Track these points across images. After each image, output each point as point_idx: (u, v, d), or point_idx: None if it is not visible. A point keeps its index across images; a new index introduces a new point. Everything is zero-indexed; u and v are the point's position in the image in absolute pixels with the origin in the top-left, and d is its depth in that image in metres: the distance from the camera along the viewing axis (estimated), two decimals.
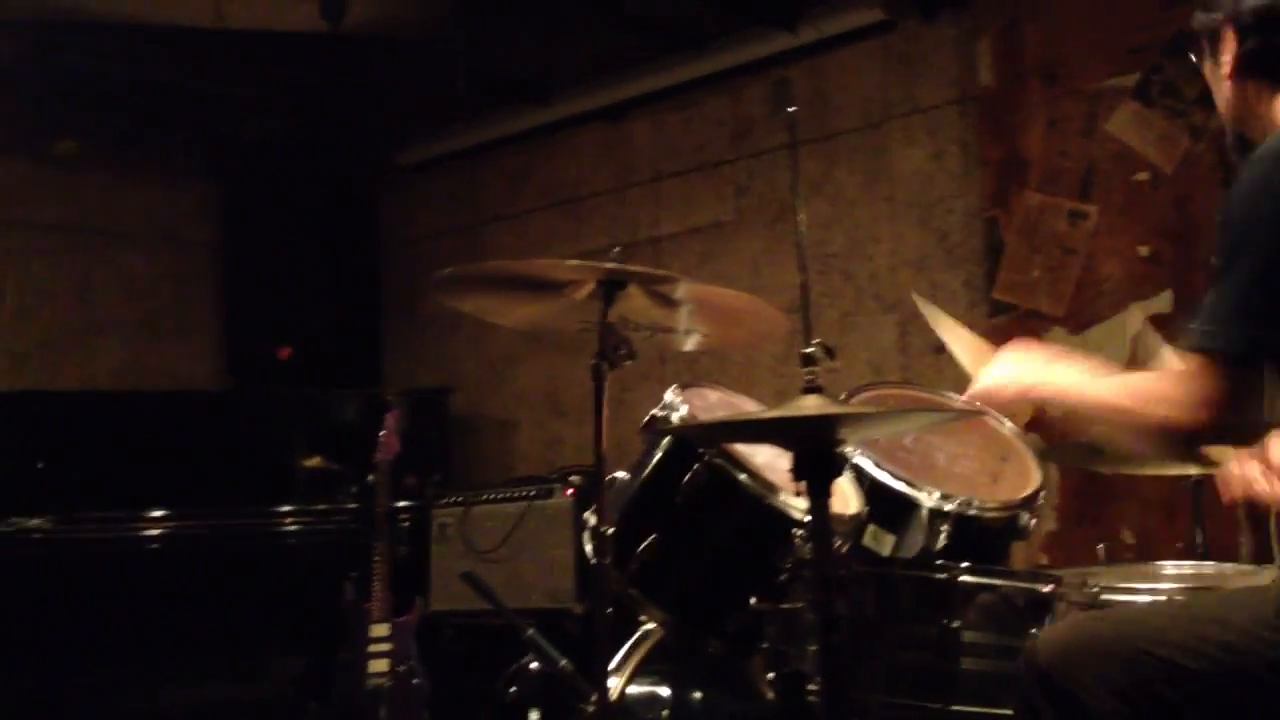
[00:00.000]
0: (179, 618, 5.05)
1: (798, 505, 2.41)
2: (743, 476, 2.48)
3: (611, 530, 2.43)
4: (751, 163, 5.28)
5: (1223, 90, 2.06)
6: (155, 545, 5.07)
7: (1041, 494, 2.68)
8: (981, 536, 2.56)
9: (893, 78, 4.87)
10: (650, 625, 2.72)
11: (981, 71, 4.58)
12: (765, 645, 2.39)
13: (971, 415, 2.73)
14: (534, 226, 6.04)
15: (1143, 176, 4.18)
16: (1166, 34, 4.08)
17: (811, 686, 2.26)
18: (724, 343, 3.28)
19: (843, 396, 2.73)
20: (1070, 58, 4.36)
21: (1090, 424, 2.40)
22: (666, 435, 2.62)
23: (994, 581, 2.27)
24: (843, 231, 4.96)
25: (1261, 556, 2.53)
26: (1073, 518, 4.19)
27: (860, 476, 2.59)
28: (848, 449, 2.49)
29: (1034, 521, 2.66)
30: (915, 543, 2.54)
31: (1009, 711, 2.12)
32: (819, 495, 1.92)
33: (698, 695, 2.86)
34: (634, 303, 2.49)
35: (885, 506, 2.55)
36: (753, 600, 2.39)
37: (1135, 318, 4.14)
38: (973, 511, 2.54)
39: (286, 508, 5.24)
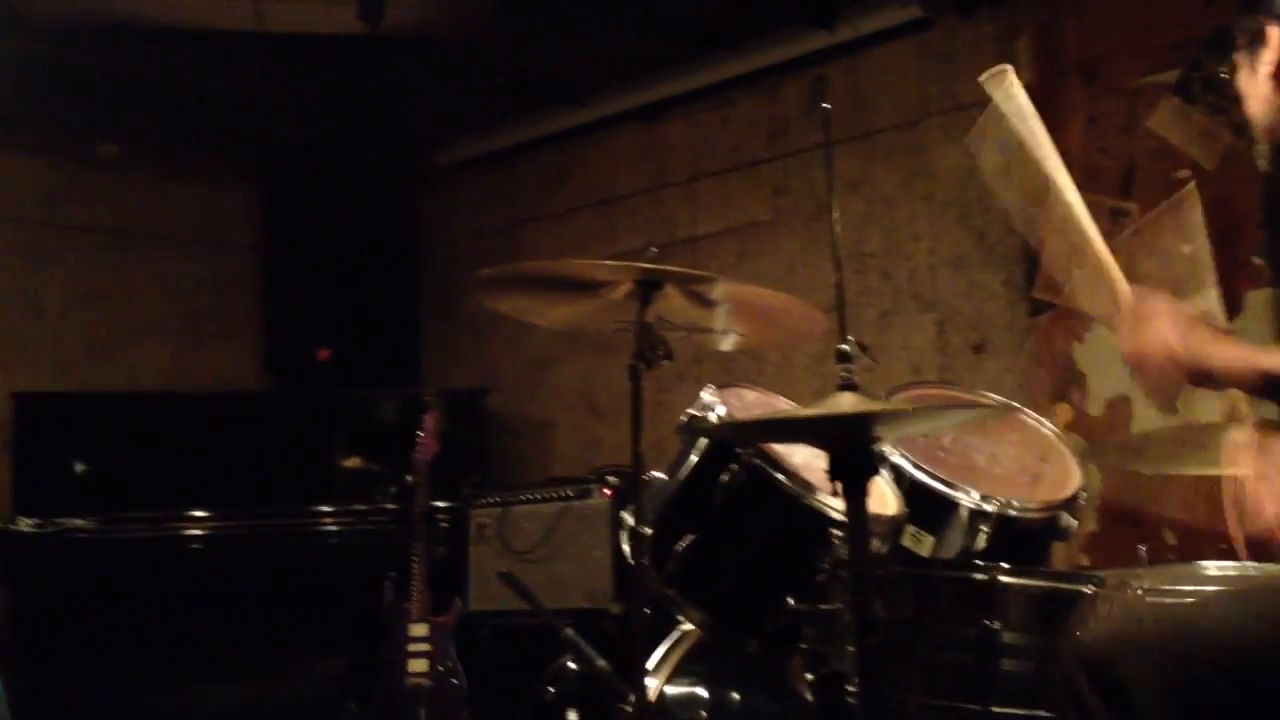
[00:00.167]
0: (220, 617, 5.09)
1: (835, 505, 2.40)
2: (780, 476, 2.47)
3: (649, 530, 2.43)
4: (788, 162, 5.26)
5: (1260, 91, 2.04)
6: (197, 545, 5.11)
7: (1082, 494, 2.66)
8: (1021, 537, 2.55)
9: (931, 75, 4.85)
10: (688, 625, 2.71)
11: (1020, 69, 4.54)
12: (803, 646, 2.38)
13: (1009, 412, 2.72)
14: (571, 227, 6.05)
15: (1184, 174, 4.14)
16: (1207, 30, 4.04)
17: (850, 687, 2.25)
18: (761, 342, 3.28)
19: (881, 395, 2.72)
20: (1110, 54, 4.32)
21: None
22: (704, 435, 2.62)
23: (1034, 582, 2.26)
24: (880, 230, 4.94)
25: None
26: (1114, 518, 4.15)
27: (899, 477, 2.58)
28: (884, 448, 2.48)
29: (1075, 522, 2.64)
30: (954, 543, 2.53)
31: (1049, 713, 2.11)
32: (856, 495, 1.91)
33: (735, 696, 2.85)
34: (671, 303, 2.49)
35: (924, 507, 2.54)
36: (790, 601, 2.38)
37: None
38: (1013, 512, 2.52)
39: (326, 508, 5.27)
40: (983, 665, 2.17)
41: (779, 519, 2.51)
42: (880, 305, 4.92)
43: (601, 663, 2.81)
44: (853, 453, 1.91)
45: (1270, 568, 2.55)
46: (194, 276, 6.36)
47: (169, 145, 6.21)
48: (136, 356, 6.12)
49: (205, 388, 6.22)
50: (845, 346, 2.05)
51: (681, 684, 2.80)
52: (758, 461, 2.47)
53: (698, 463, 2.61)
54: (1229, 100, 4.02)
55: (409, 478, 4.75)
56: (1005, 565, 2.26)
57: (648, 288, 2.44)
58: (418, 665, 4.51)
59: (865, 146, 4.97)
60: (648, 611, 2.40)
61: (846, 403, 1.92)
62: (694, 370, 5.16)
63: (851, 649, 2.19)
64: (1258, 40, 2.03)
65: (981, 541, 2.49)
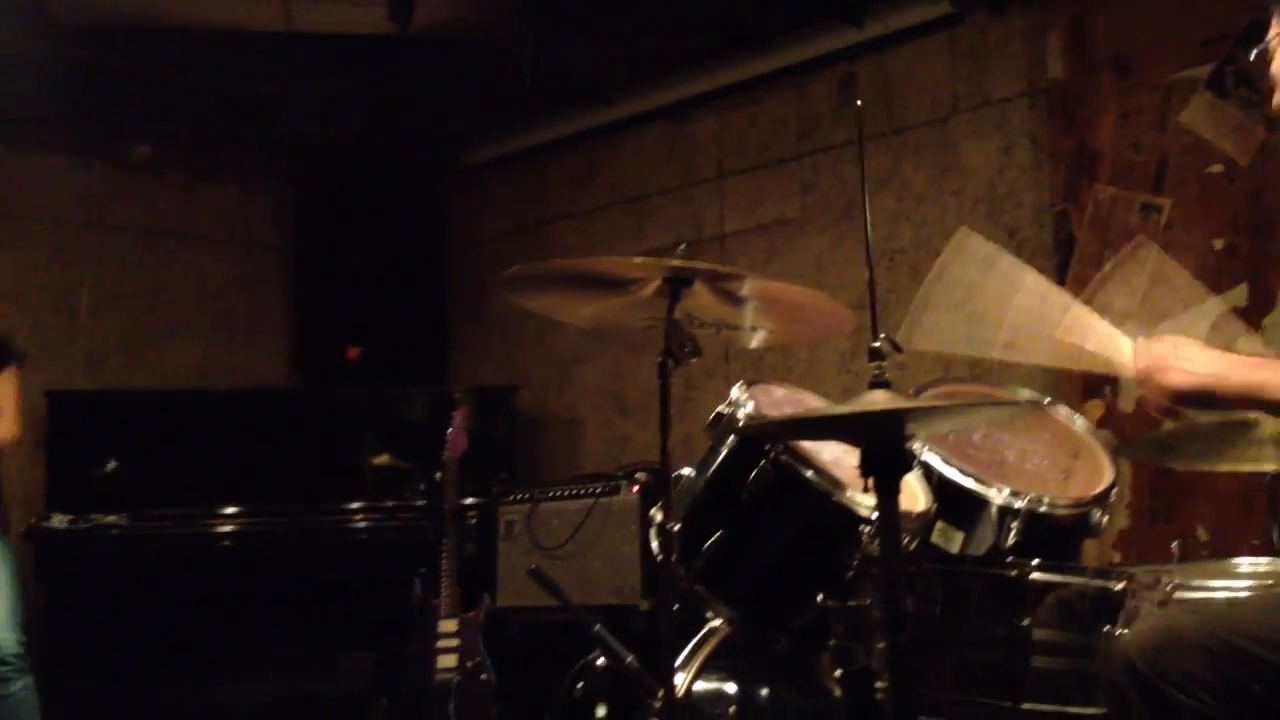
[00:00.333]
0: (250, 613, 5.12)
1: (865, 502, 2.40)
2: (809, 473, 2.47)
3: (677, 527, 2.43)
4: (817, 159, 5.25)
5: None
6: (228, 542, 5.15)
7: (1114, 491, 2.65)
8: (1052, 534, 2.53)
9: (961, 71, 4.83)
10: (716, 622, 2.72)
11: (1051, 64, 4.52)
12: (832, 642, 2.38)
13: (1040, 409, 2.71)
14: (599, 225, 6.06)
15: (1217, 169, 4.11)
16: (1240, 24, 4.01)
17: (879, 684, 2.24)
18: (789, 339, 3.28)
19: (911, 392, 2.71)
20: (1142, 49, 4.29)
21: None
22: (732, 432, 2.62)
23: (1065, 579, 2.24)
24: (910, 227, 4.93)
25: None
26: (1146, 515, 4.13)
27: (929, 474, 2.57)
28: (916, 445, 2.48)
29: (1106, 519, 2.62)
30: (985, 540, 2.52)
31: (1080, 710, 2.10)
32: (887, 492, 1.91)
33: (764, 692, 2.85)
34: (699, 300, 2.49)
35: (954, 504, 2.53)
36: (820, 597, 2.38)
37: (1213, 310, 4.06)
38: (1043, 509, 2.51)
39: (356, 505, 5.30)
40: (1013, 662, 2.16)
41: (808, 516, 2.51)
42: (910, 302, 4.89)
43: (630, 659, 2.82)
44: (885, 449, 1.90)
45: None
46: (225, 276, 6.41)
47: (200, 146, 6.25)
48: (168, 355, 6.16)
49: (236, 386, 6.26)
50: (877, 344, 2.05)
51: (710, 680, 2.80)
52: (786, 458, 2.47)
53: (726, 459, 2.61)
54: (1262, 95, 4.00)
55: (438, 475, 4.77)
56: (1036, 562, 2.24)
57: (676, 285, 2.44)
58: (447, 661, 4.53)
59: (895, 143, 4.96)
60: (676, 608, 2.40)
61: (879, 400, 1.91)
62: (722, 367, 5.16)
63: (881, 646, 2.20)
64: None
65: (1012, 538, 2.47)
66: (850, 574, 2.37)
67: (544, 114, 6.08)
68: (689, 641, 2.73)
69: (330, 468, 5.45)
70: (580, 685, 2.93)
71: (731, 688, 2.82)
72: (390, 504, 5.30)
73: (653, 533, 2.57)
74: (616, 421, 5.92)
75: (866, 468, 1.91)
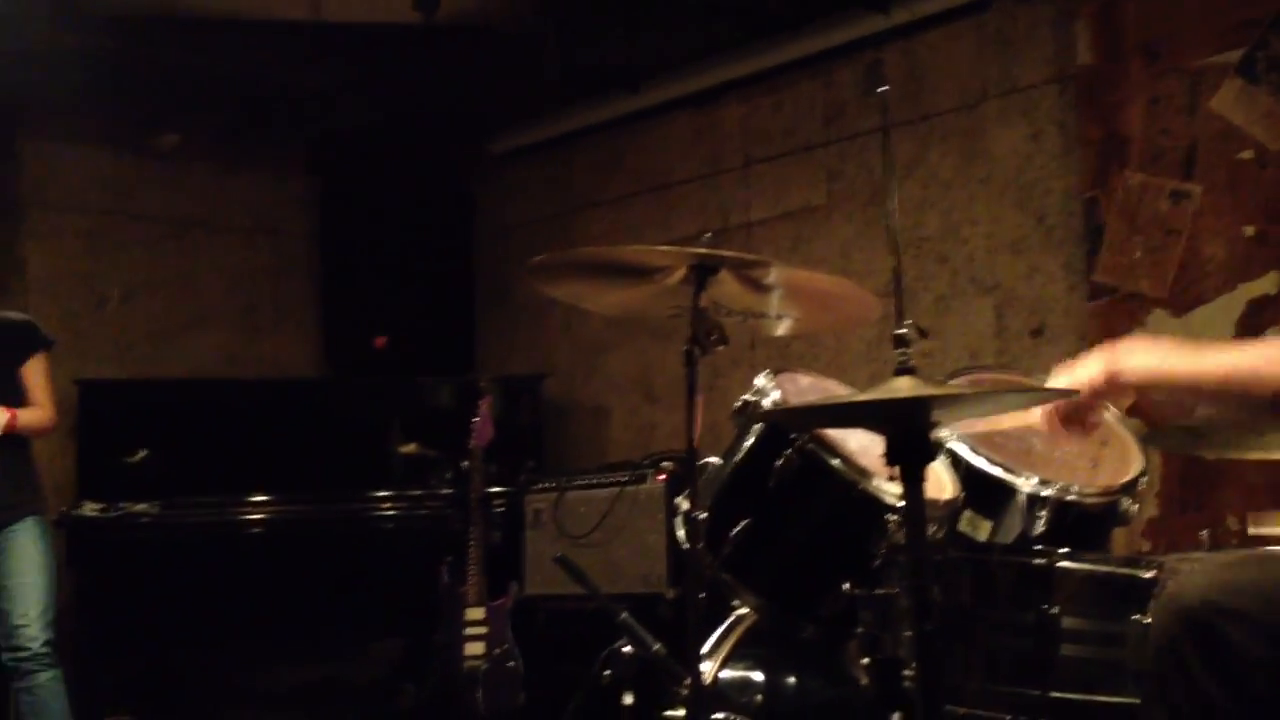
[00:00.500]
0: (280, 600, 5.16)
1: (891, 490, 2.40)
2: (835, 462, 2.46)
3: (704, 515, 2.43)
4: (844, 146, 5.23)
5: None
6: (257, 529, 5.19)
7: (1143, 479, 2.63)
8: (1081, 522, 2.52)
9: (989, 57, 4.80)
10: (743, 610, 2.72)
11: (1080, 49, 4.49)
12: (860, 631, 2.37)
13: (1070, 397, 2.69)
14: (625, 213, 6.06)
15: (1247, 155, 4.07)
16: (1271, 9, 3.97)
17: (907, 672, 2.24)
18: (816, 327, 3.27)
19: (938, 380, 2.70)
20: (1172, 34, 4.26)
21: (1208, 402, 2.31)
22: (759, 420, 2.61)
23: (1094, 567, 2.23)
24: (938, 214, 4.90)
25: None
26: (1175, 503, 4.10)
27: (956, 462, 2.56)
28: (943, 433, 2.47)
29: (1135, 507, 2.60)
30: (1013, 528, 2.51)
31: (1108, 698, 2.09)
32: (913, 480, 1.90)
33: (791, 680, 2.85)
34: (726, 288, 2.48)
35: (981, 492, 2.52)
36: (847, 585, 2.38)
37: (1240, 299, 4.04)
38: (1072, 497, 2.50)
39: (383, 493, 5.33)
40: (1041, 650, 2.15)
41: (834, 504, 2.50)
42: (937, 289, 4.88)
43: (657, 646, 2.82)
44: (911, 437, 1.90)
45: None
46: (253, 265, 6.44)
47: (228, 136, 6.28)
48: (197, 344, 6.20)
49: (264, 375, 6.30)
50: (903, 331, 2.04)
51: (737, 668, 2.80)
52: (813, 446, 2.47)
53: (753, 448, 2.60)
54: None
55: (465, 463, 4.79)
56: (1064, 550, 2.23)
57: (702, 273, 2.43)
58: (474, 648, 4.55)
59: (922, 130, 4.94)
60: (702, 596, 2.40)
61: (904, 387, 1.91)
62: (748, 355, 5.15)
63: (908, 634, 2.19)
64: None
65: (1040, 527, 2.46)
66: (877, 562, 2.36)
67: (570, 102, 6.07)
68: (715, 629, 2.73)
69: (358, 456, 5.48)
70: (607, 673, 2.93)
71: (758, 676, 2.82)
72: (417, 492, 5.32)
73: (679, 521, 2.57)
74: (643, 410, 5.92)
75: (892, 456, 1.90)
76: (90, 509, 5.02)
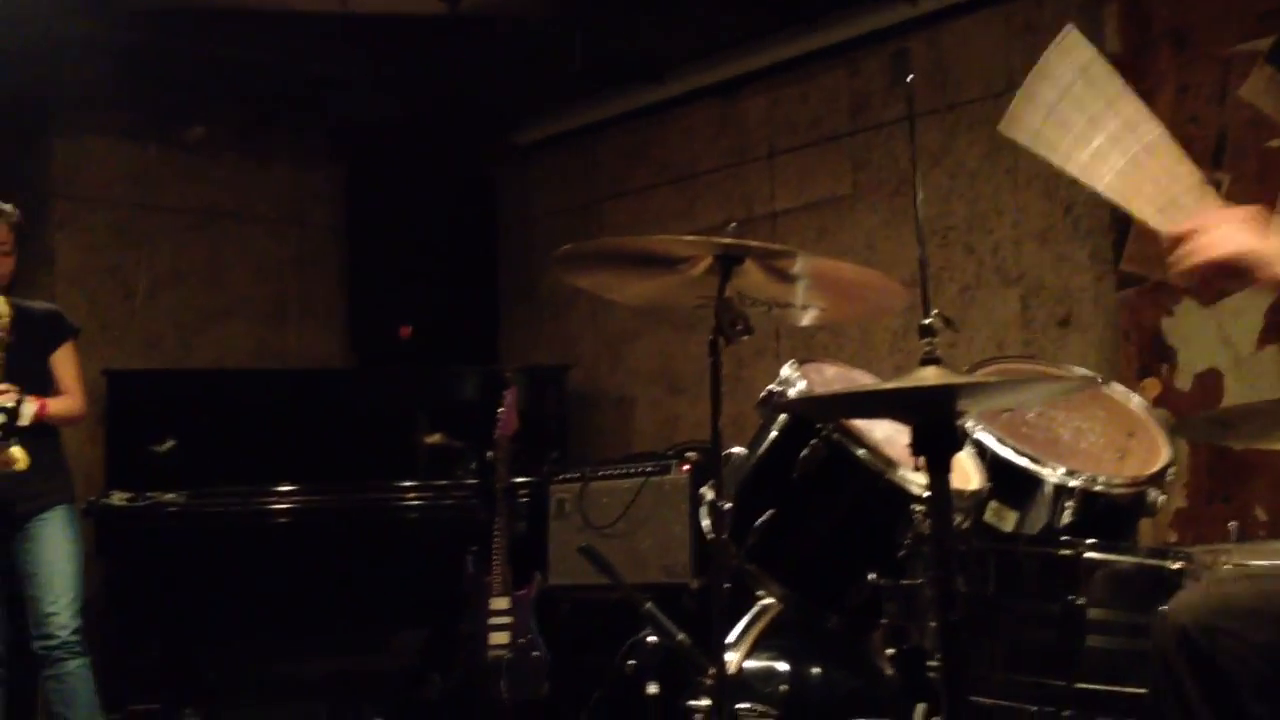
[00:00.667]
0: (306, 590, 5.18)
1: (917, 481, 2.39)
2: (861, 452, 2.46)
3: (728, 505, 2.43)
4: (869, 136, 5.21)
5: None
6: (283, 519, 5.21)
7: (1170, 470, 2.61)
8: (1108, 513, 2.51)
9: (1016, 46, 4.77)
10: (768, 600, 2.71)
11: (1108, 37, 4.46)
12: (884, 621, 2.37)
13: (1094, 386, 2.68)
14: (650, 204, 6.05)
15: (1277, 143, 4.04)
16: None
17: (931, 663, 2.23)
18: (841, 317, 3.26)
19: (964, 370, 2.69)
20: (1200, 21, 4.22)
21: None
22: (784, 410, 2.61)
23: (1121, 558, 2.22)
24: (964, 204, 4.88)
25: None
26: (1203, 494, 4.08)
27: (982, 453, 2.55)
28: (968, 423, 2.46)
29: (1162, 498, 2.59)
30: (1039, 519, 2.50)
31: (1135, 689, 2.08)
32: (938, 470, 1.90)
33: (816, 671, 2.85)
34: (750, 278, 2.48)
35: (1007, 483, 2.51)
36: (871, 576, 2.37)
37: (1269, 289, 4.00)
38: (1098, 487, 2.49)
39: (408, 483, 5.34)
40: (1067, 641, 2.14)
41: (859, 494, 2.50)
42: (963, 279, 4.86)
43: (681, 637, 2.82)
44: (936, 427, 1.89)
45: None
46: (279, 256, 6.46)
47: (254, 127, 6.30)
48: (224, 335, 6.23)
49: (290, 366, 6.32)
50: (929, 321, 2.03)
51: (761, 658, 2.80)
52: (838, 437, 2.46)
53: (778, 438, 2.60)
54: None
55: (490, 454, 4.79)
56: (1090, 541, 2.22)
57: (727, 263, 2.43)
58: (499, 638, 4.56)
59: (948, 119, 4.91)
60: (727, 586, 2.40)
61: (930, 376, 1.90)
62: (773, 346, 5.15)
63: (933, 624, 2.19)
64: None
65: (1066, 517, 2.45)
66: (902, 553, 2.36)
67: (594, 93, 6.07)
68: (740, 620, 2.73)
69: (383, 447, 5.50)
70: (631, 663, 2.94)
71: (783, 666, 2.82)
72: (442, 483, 5.34)
73: (704, 511, 2.57)
74: (667, 400, 5.92)
75: (918, 446, 1.90)
76: (119, 498, 5.05)
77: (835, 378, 2.81)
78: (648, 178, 6.07)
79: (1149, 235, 4.18)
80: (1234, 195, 4.10)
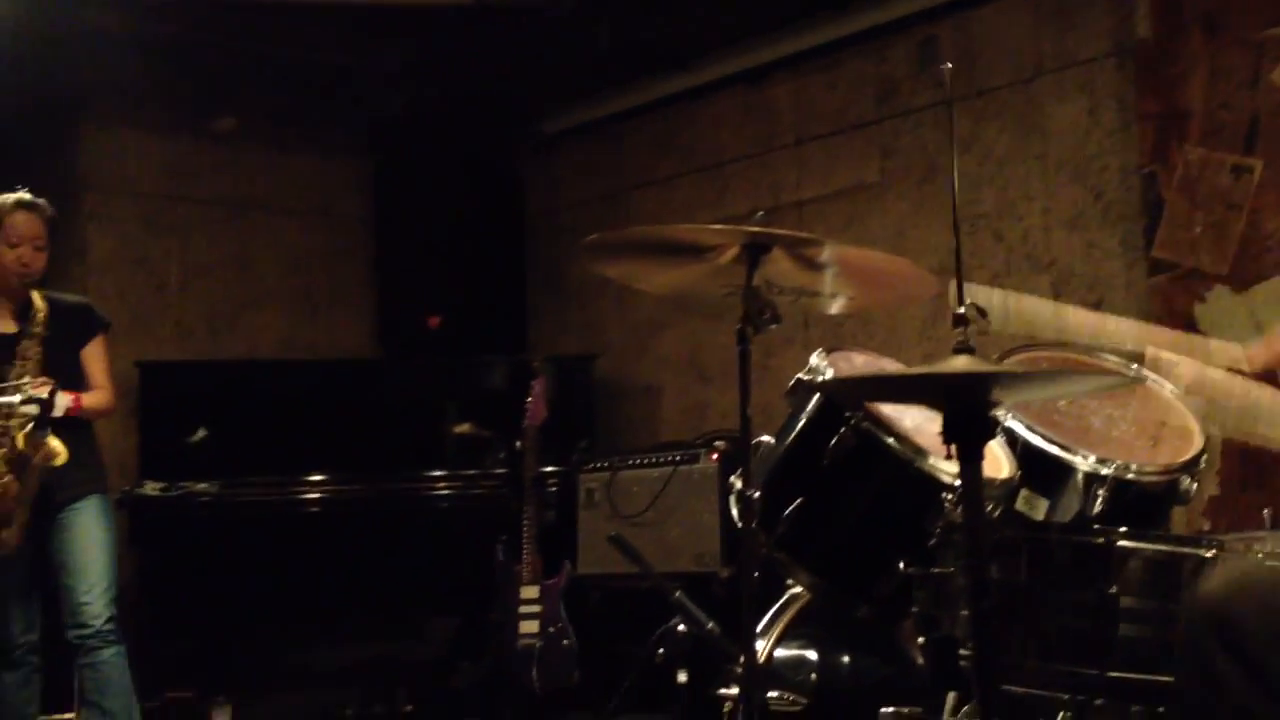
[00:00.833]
0: (336, 578, 5.21)
1: (947, 469, 2.38)
2: (890, 440, 2.45)
3: (757, 494, 2.43)
4: (897, 123, 5.19)
5: None
6: (314, 508, 5.24)
7: (1203, 458, 2.59)
8: (1140, 501, 2.49)
9: (1045, 32, 4.74)
10: (797, 589, 2.71)
11: (1139, 22, 4.42)
12: (915, 610, 2.36)
13: (1131, 380, 2.66)
14: (677, 192, 6.04)
15: None
16: None
17: (962, 652, 2.23)
18: (869, 305, 3.25)
19: (995, 358, 2.67)
20: (1233, 6, 4.18)
21: None
22: (814, 395, 2.60)
23: (1153, 546, 2.21)
24: (993, 191, 4.86)
25: None
26: (1236, 482, 4.05)
27: (1012, 440, 2.54)
28: (1000, 412, 2.45)
29: (1195, 486, 2.57)
30: (1070, 507, 2.48)
31: (1168, 678, 2.07)
32: (969, 458, 1.89)
33: (845, 659, 2.85)
34: (778, 266, 2.47)
35: (1039, 471, 2.49)
36: (902, 564, 2.37)
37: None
38: (1131, 475, 2.47)
39: (438, 473, 5.36)
40: (1100, 630, 2.13)
41: (889, 482, 2.49)
42: (993, 267, 4.84)
43: (711, 625, 2.83)
44: (968, 415, 1.88)
45: None
46: (308, 247, 6.49)
47: (283, 118, 6.32)
48: (254, 326, 6.26)
49: (320, 356, 6.35)
50: (961, 310, 2.02)
51: (791, 647, 2.80)
52: (867, 425, 2.45)
53: (806, 426, 2.59)
54: None
55: (518, 443, 4.81)
56: (1123, 529, 2.21)
57: (755, 251, 2.42)
58: (529, 627, 4.58)
59: (977, 105, 4.88)
60: (756, 575, 2.40)
61: (962, 364, 1.89)
62: (801, 334, 5.14)
63: (964, 613, 2.18)
64: None
65: (1098, 505, 2.43)
66: (933, 541, 2.35)
67: (620, 81, 6.06)
68: (769, 608, 2.73)
69: (412, 436, 5.52)
70: (661, 651, 2.95)
71: (813, 654, 2.82)
72: (472, 472, 5.36)
73: (732, 500, 2.57)
74: (695, 389, 5.92)
75: (949, 434, 1.89)
76: (151, 488, 5.09)
77: (864, 366, 2.79)
78: (674, 166, 6.07)
79: (1180, 221, 4.17)
80: (1266, 181, 4.07)
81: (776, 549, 2.51)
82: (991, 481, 2.38)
